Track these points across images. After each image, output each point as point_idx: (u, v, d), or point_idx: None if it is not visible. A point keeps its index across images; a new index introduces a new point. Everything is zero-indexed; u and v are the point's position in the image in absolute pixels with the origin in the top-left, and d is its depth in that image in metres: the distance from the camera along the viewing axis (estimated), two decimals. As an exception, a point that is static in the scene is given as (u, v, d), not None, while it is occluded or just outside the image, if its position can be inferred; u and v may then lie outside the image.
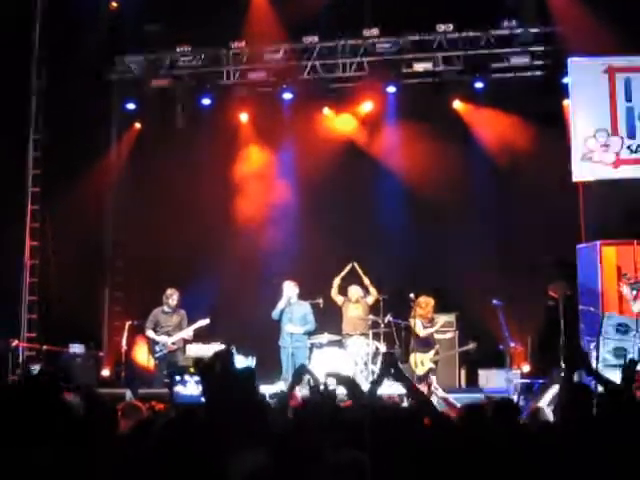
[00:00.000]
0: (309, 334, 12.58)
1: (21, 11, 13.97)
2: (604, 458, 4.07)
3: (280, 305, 12.54)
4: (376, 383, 4.86)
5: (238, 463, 3.23)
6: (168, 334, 12.33)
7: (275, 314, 12.59)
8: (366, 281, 12.78)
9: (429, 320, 12.01)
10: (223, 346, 12.34)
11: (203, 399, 5.10)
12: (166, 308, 12.44)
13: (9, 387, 4.09)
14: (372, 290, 12.72)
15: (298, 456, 3.39)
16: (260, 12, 14.38)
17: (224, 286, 13.89)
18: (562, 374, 9.48)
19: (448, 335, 12.87)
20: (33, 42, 14.46)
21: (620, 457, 4.09)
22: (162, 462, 3.58)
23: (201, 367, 4.91)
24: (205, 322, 12.27)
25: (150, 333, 12.43)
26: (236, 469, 3.22)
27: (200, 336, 12.59)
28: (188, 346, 12.52)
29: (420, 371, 11.79)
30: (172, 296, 12.40)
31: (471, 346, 12.43)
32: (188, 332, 12.30)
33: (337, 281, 12.92)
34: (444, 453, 3.91)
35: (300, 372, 5.78)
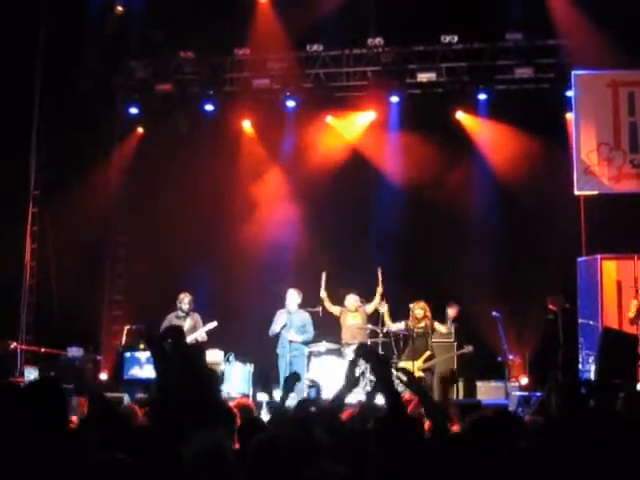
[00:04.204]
0: (306, 344, 12.51)
1: (26, 14, 14.00)
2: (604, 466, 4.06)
3: (275, 329, 12.36)
4: (373, 389, 4.82)
5: (190, 440, 3.23)
6: (183, 338, 12.25)
7: (272, 332, 12.42)
8: (380, 289, 12.59)
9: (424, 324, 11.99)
10: (221, 352, 12.37)
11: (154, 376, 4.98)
12: (179, 312, 12.39)
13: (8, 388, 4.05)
14: (377, 298, 12.56)
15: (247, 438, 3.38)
16: (265, 19, 14.39)
17: (224, 293, 13.87)
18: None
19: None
20: (37, 45, 14.49)
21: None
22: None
23: (149, 342, 4.78)
24: (213, 325, 12.19)
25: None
26: (189, 446, 3.21)
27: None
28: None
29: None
30: (184, 300, 12.35)
31: (467, 350, 12.32)
32: (201, 334, 12.21)
33: (323, 294, 12.68)
34: (445, 462, 3.90)
35: (292, 380, 5.57)
